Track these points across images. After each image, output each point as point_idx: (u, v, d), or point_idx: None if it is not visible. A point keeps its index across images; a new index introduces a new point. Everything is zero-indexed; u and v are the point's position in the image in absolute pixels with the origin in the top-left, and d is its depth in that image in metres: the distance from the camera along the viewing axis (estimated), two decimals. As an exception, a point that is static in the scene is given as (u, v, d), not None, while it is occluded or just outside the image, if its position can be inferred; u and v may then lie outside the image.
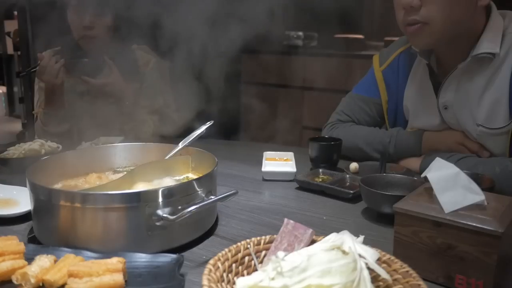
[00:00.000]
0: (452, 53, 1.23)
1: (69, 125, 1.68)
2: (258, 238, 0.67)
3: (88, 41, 1.62)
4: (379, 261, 0.60)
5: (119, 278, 0.66)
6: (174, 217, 0.76)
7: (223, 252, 0.63)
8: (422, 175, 0.78)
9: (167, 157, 1.06)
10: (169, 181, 0.98)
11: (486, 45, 1.16)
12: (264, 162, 1.30)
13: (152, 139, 1.39)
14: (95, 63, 1.63)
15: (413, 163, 1.29)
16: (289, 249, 0.63)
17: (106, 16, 1.62)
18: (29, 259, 0.71)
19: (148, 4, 1.45)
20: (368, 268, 0.56)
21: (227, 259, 0.62)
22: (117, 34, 1.65)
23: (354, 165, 1.25)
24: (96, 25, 1.60)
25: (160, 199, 0.78)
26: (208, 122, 1.11)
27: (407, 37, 1.28)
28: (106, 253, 0.72)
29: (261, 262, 0.66)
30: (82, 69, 1.61)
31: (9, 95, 5.68)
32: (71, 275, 0.66)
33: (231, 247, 0.64)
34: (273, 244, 0.65)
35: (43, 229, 0.84)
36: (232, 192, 0.84)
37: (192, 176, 1.04)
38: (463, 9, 1.14)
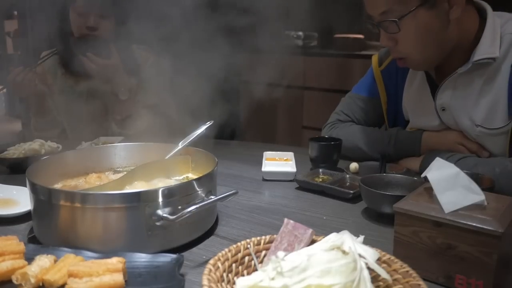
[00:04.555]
0: (451, 59, 1.23)
1: (60, 129, 1.70)
2: (258, 238, 0.67)
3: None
4: (379, 261, 0.60)
5: (119, 278, 0.66)
6: (174, 217, 0.76)
7: (223, 252, 0.63)
8: (422, 175, 0.78)
9: (167, 157, 1.06)
10: (167, 182, 0.98)
11: (487, 49, 1.16)
12: (264, 162, 1.30)
13: (152, 138, 1.39)
14: (101, 47, 1.62)
15: (413, 163, 1.29)
16: (289, 249, 0.63)
17: (110, 17, 1.62)
18: (29, 259, 0.71)
19: (147, 4, 1.45)
20: (368, 268, 0.56)
21: (227, 259, 0.62)
22: (118, 34, 1.65)
23: (354, 165, 1.25)
24: (100, 26, 1.60)
25: (160, 199, 0.78)
26: (208, 122, 1.11)
27: None
28: (106, 253, 0.72)
29: (261, 262, 0.66)
30: (87, 50, 1.60)
31: (9, 95, 5.68)
32: (71, 275, 0.66)
33: (231, 247, 0.64)
34: (273, 244, 0.65)
35: (43, 229, 0.84)
36: (232, 192, 0.84)
37: (192, 176, 1.04)
38: (438, 33, 1.15)
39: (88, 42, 1.59)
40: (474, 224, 0.67)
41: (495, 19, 1.19)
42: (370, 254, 0.58)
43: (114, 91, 1.65)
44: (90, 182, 0.99)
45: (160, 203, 0.78)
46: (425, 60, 1.21)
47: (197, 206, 0.78)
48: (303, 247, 0.63)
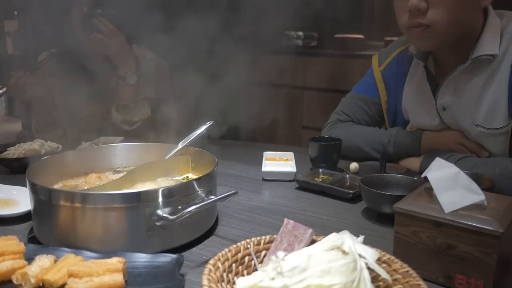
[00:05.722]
0: (451, 55, 1.23)
1: (61, 130, 1.70)
2: (258, 238, 0.67)
3: (93, 41, 1.62)
4: (379, 261, 0.60)
5: (119, 278, 0.66)
6: (174, 217, 0.76)
7: (223, 252, 0.63)
8: (422, 175, 0.78)
9: (167, 157, 1.06)
10: (166, 181, 0.98)
11: (486, 46, 1.16)
12: (264, 162, 1.30)
13: (152, 138, 1.39)
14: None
15: (413, 163, 1.29)
16: (289, 249, 0.63)
17: (113, 18, 1.62)
18: (29, 259, 0.71)
19: (148, 4, 1.45)
20: (368, 268, 0.56)
21: (227, 259, 0.62)
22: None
23: (354, 165, 1.25)
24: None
25: (160, 199, 0.78)
26: (208, 122, 1.11)
27: (410, 40, 1.27)
28: (106, 253, 0.72)
29: (261, 262, 0.66)
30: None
31: (9, 95, 5.68)
32: (71, 275, 0.66)
33: (231, 247, 0.64)
34: (273, 244, 0.65)
35: (43, 229, 0.84)
36: (232, 192, 0.84)
37: (192, 176, 1.04)
38: (466, 11, 1.14)
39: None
40: (474, 224, 0.67)
41: (496, 18, 1.20)
42: (370, 254, 0.58)
43: (122, 74, 1.64)
44: (90, 182, 0.99)
45: (160, 203, 0.78)
46: (446, 35, 1.16)
47: (197, 206, 0.78)
48: (303, 247, 0.63)
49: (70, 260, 0.71)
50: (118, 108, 1.65)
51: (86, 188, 0.94)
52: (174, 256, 0.74)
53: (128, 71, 1.64)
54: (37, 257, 0.71)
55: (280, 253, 0.58)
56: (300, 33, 3.26)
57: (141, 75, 1.75)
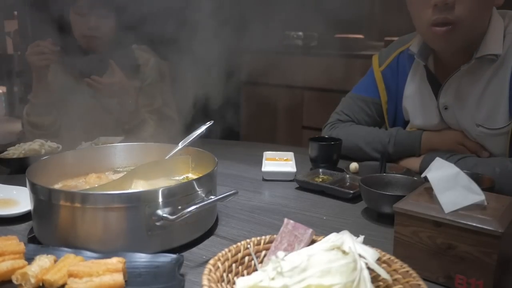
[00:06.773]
0: (455, 55, 1.23)
1: (53, 118, 1.67)
2: (258, 238, 0.67)
3: (92, 42, 1.62)
4: (379, 261, 0.60)
5: (119, 278, 0.66)
6: (174, 217, 0.76)
7: (223, 252, 0.63)
8: (422, 175, 0.78)
9: (167, 157, 1.06)
10: (167, 182, 0.98)
11: (490, 46, 1.16)
12: (264, 162, 1.30)
13: (152, 139, 1.39)
14: (99, 63, 1.63)
15: (413, 163, 1.29)
16: (289, 249, 0.63)
17: (111, 16, 1.62)
18: (29, 259, 0.71)
19: (148, 4, 1.45)
20: (368, 268, 0.56)
21: (227, 259, 0.62)
22: (118, 34, 1.65)
23: (354, 165, 1.25)
24: (101, 26, 1.60)
25: (160, 199, 0.78)
26: (208, 122, 1.11)
27: (428, 39, 1.22)
28: (106, 253, 0.72)
29: (261, 262, 0.66)
30: (85, 69, 1.60)
31: (9, 95, 5.69)
32: (71, 275, 0.66)
33: (231, 247, 0.64)
34: (273, 244, 0.65)
35: (43, 229, 0.84)
36: (232, 192, 0.84)
37: (192, 176, 1.04)
38: (487, 9, 1.14)
39: (88, 61, 1.58)
40: (474, 224, 0.67)
41: (499, 17, 1.20)
42: (370, 254, 0.58)
43: (121, 103, 1.65)
44: (90, 182, 0.99)
45: (160, 203, 0.78)
46: (469, 34, 1.14)
47: (197, 206, 0.78)
48: (303, 247, 0.63)
49: (70, 260, 0.71)
50: (125, 131, 1.65)
51: (86, 188, 0.94)
52: (174, 256, 0.74)
53: (128, 101, 1.65)
54: (37, 257, 0.71)
55: (280, 253, 0.58)
56: (300, 33, 3.26)
57: (146, 85, 1.75)
